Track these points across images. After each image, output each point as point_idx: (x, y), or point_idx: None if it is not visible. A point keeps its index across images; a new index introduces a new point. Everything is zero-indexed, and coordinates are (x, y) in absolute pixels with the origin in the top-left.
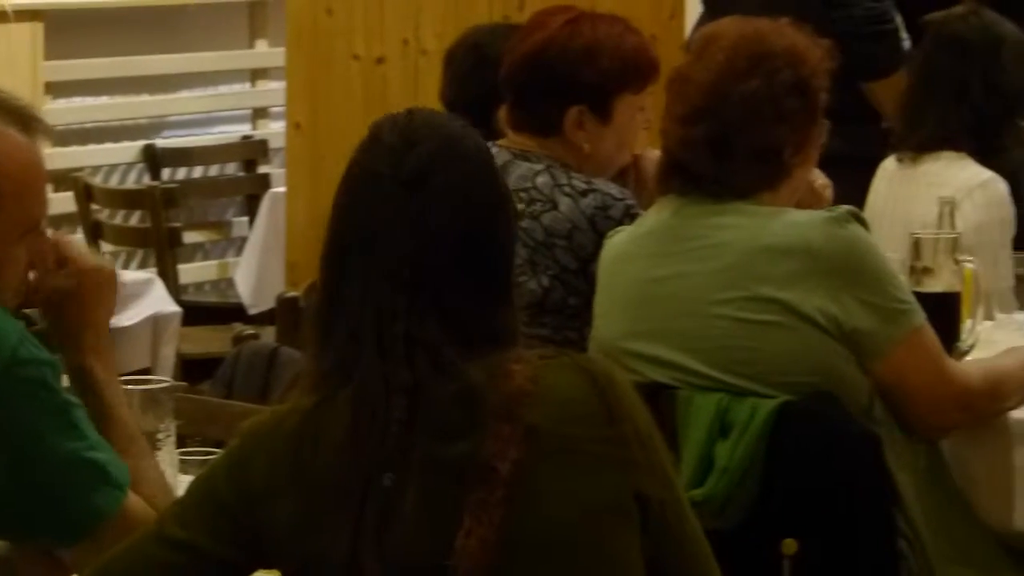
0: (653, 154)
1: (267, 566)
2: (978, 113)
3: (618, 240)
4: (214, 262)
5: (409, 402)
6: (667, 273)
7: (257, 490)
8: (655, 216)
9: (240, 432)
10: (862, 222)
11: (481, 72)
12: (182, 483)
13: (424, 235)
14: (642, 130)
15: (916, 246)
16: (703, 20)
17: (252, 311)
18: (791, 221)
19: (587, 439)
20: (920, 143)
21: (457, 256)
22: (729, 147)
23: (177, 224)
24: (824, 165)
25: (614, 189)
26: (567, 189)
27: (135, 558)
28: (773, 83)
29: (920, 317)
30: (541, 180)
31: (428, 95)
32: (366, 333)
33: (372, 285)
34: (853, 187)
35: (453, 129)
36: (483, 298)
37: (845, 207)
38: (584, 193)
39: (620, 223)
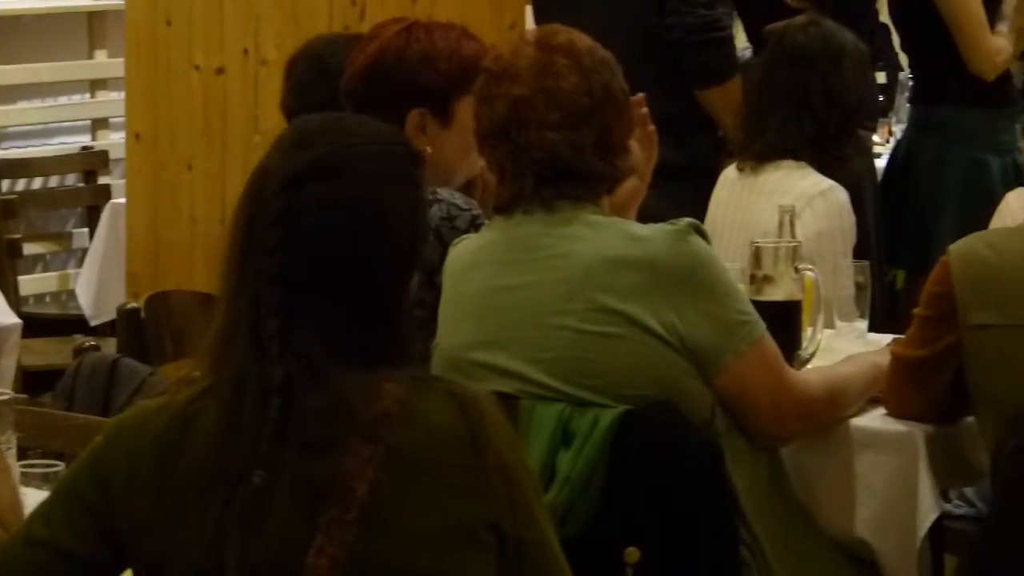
0: None
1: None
2: (818, 123)
3: (464, 248)
4: (55, 273)
5: (283, 403)
6: (512, 283)
7: (118, 486)
8: (500, 225)
9: (105, 429)
10: (703, 235)
11: (322, 82)
12: (24, 496)
13: (295, 238)
14: None
15: (757, 255)
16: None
17: (93, 322)
18: (635, 234)
19: (448, 466)
20: (761, 152)
21: (321, 266)
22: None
23: (17, 235)
24: (661, 176)
25: (460, 199)
26: None
27: (1, 560)
28: (591, 82)
29: (760, 329)
30: None
31: (269, 105)
32: (242, 327)
33: (248, 278)
34: (689, 197)
35: (359, 141)
36: (353, 313)
37: (687, 220)
38: (429, 204)
39: (466, 233)
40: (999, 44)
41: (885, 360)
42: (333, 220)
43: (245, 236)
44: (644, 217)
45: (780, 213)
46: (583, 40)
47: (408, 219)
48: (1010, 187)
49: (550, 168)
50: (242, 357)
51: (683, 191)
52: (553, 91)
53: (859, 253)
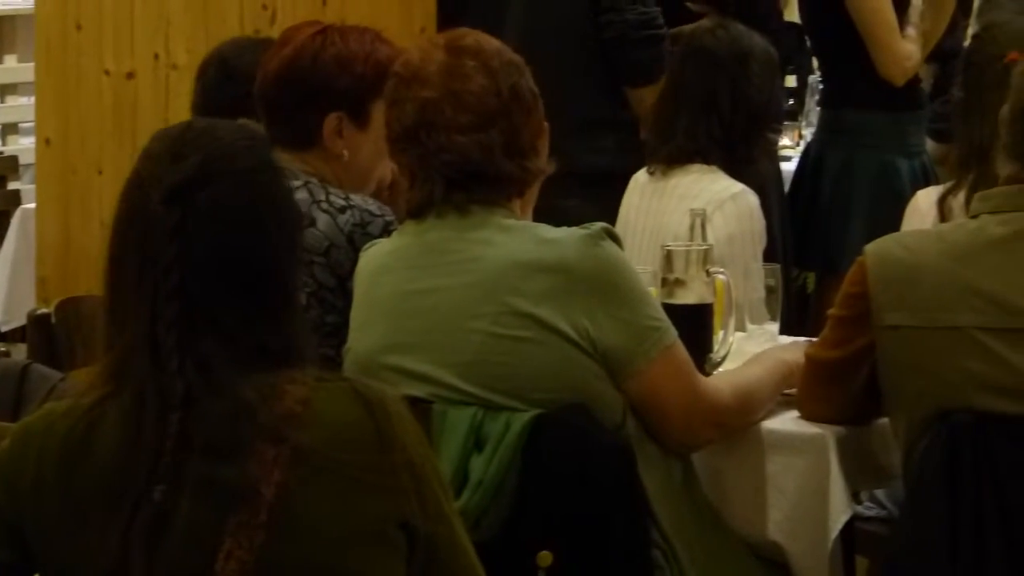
0: None
1: None
2: (727, 126)
3: (377, 252)
4: None
5: (183, 416)
6: (425, 286)
7: (25, 489)
8: (412, 229)
9: (12, 431)
10: (615, 239)
11: (226, 85)
12: None
13: (187, 249)
14: None
15: (668, 258)
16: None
17: (3, 328)
18: (547, 237)
19: (355, 465)
20: (670, 155)
21: (222, 271)
22: (490, 151)
23: None
24: (591, 181)
25: (373, 205)
26: (325, 206)
27: None
28: (499, 84)
29: (671, 335)
30: (299, 196)
31: (179, 110)
32: (140, 341)
33: (145, 293)
34: (618, 203)
35: (227, 142)
36: (256, 314)
37: (599, 224)
38: (342, 210)
39: (379, 240)
40: (909, 49)
41: (792, 356)
42: (226, 225)
43: (136, 251)
44: (575, 223)
45: (691, 216)
46: (491, 42)
47: (288, 208)
48: (919, 189)
49: (459, 171)
50: (142, 371)
51: (612, 197)
52: (461, 93)
53: (769, 256)
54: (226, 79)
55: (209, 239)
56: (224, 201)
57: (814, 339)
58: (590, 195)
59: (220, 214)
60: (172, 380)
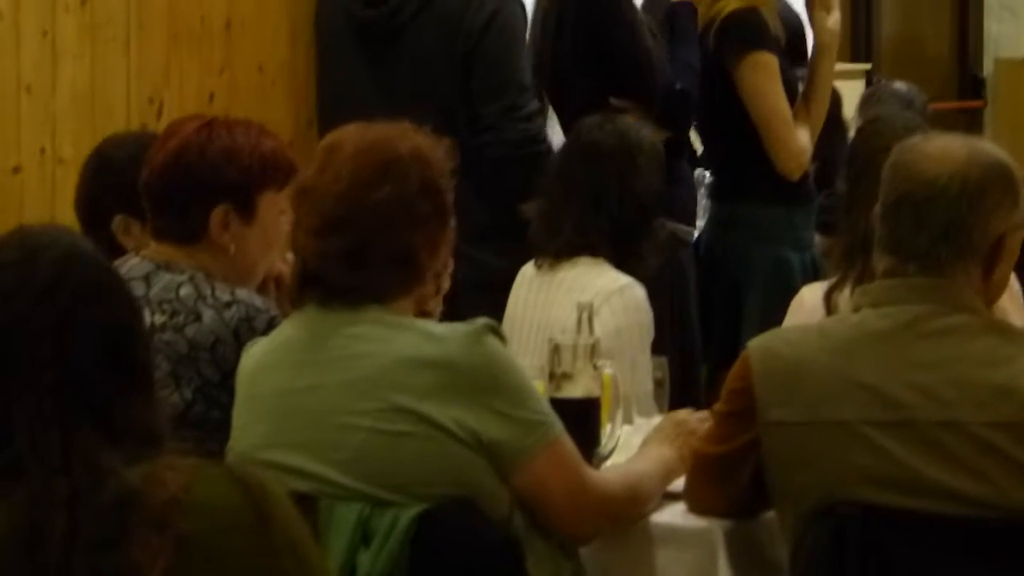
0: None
1: None
2: (614, 219)
3: (257, 350)
4: None
5: (68, 514)
6: (306, 383)
7: None
8: (293, 326)
9: None
10: (500, 335)
11: (101, 177)
12: None
13: (64, 340)
14: (286, 233)
15: (555, 351)
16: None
17: None
18: (430, 334)
19: (238, 548)
20: (558, 249)
21: (101, 356)
22: (366, 256)
23: None
24: (481, 284)
25: (258, 300)
26: (210, 300)
27: None
28: (404, 189)
29: (557, 428)
30: (184, 291)
31: (66, 205)
32: (22, 443)
33: (22, 397)
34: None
35: (68, 235)
36: (134, 397)
37: (483, 320)
38: (228, 305)
39: (264, 335)
40: (805, 143)
41: (672, 454)
42: (95, 313)
43: (9, 357)
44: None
45: (578, 310)
46: (400, 143)
47: (129, 289)
48: (807, 283)
49: (316, 272)
50: (27, 471)
51: (500, 297)
52: (319, 196)
53: (657, 348)
54: (100, 171)
55: (81, 331)
56: (93, 285)
57: (695, 412)
58: (490, 297)
59: (92, 298)
60: (56, 477)
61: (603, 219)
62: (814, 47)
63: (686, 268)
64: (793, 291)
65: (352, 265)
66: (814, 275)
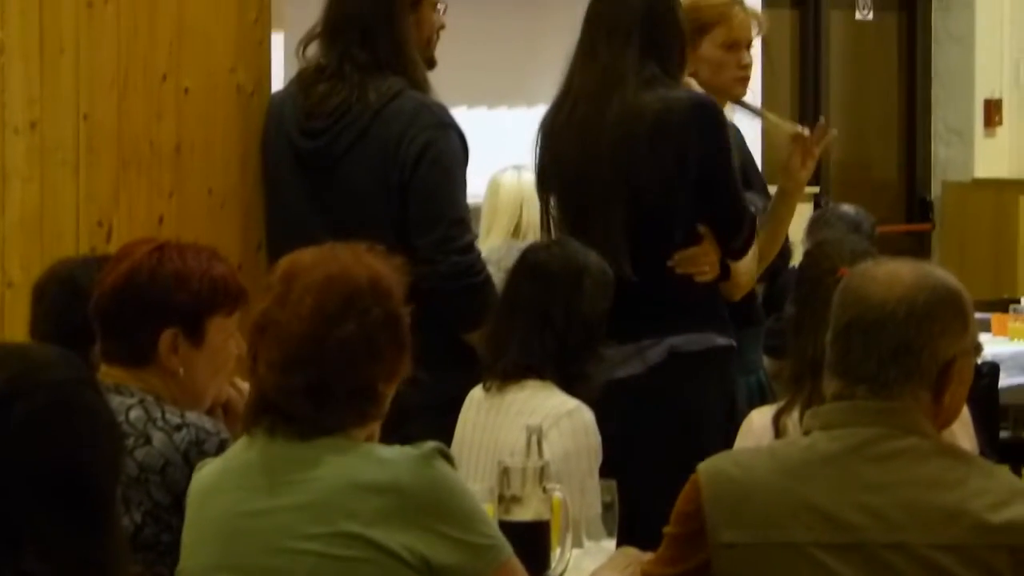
0: (244, 386)
1: None
2: (560, 341)
3: (206, 473)
4: None
5: None
6: (255, 508)
7: None
8: (244, 448)
9: None
10: (449, 459)
11: (77, 306)
12: None
13: (7, 470)
14: (235, 358)
15: (504, 475)
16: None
17: None
18: (379, 458)
19: None
20: (505, 370)
21: (42, 486)
22: (328, 393)
23: None
24: (430, 407)
25: (208, 423)
26: (160, 423)
27: None
28: (366, 324)
29: (507, 551)
30: (134, 414)
31: (16, 329)
32: None
33: None
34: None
35: (36, 358)
36: (78, 527)
37: (432, 444)
38: (178, 428)
39: (211, 459)
40: (748, 265)
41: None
42: (41, 439)
43: None
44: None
45: (527, 433)
46: (356, 280)
47: (107, 419)
48: (755, 406)
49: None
50: None
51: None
52: (281, 330)
53: (606, 471)
54: (75, 299)
55: (25, 455)
56: (37, 416)
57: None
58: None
59: (33, 429)
60: None
61: (549, 339)
62: (779, 190)
63: None
64: (739, 415)
65: (315, 401)
66: (760, 399)
